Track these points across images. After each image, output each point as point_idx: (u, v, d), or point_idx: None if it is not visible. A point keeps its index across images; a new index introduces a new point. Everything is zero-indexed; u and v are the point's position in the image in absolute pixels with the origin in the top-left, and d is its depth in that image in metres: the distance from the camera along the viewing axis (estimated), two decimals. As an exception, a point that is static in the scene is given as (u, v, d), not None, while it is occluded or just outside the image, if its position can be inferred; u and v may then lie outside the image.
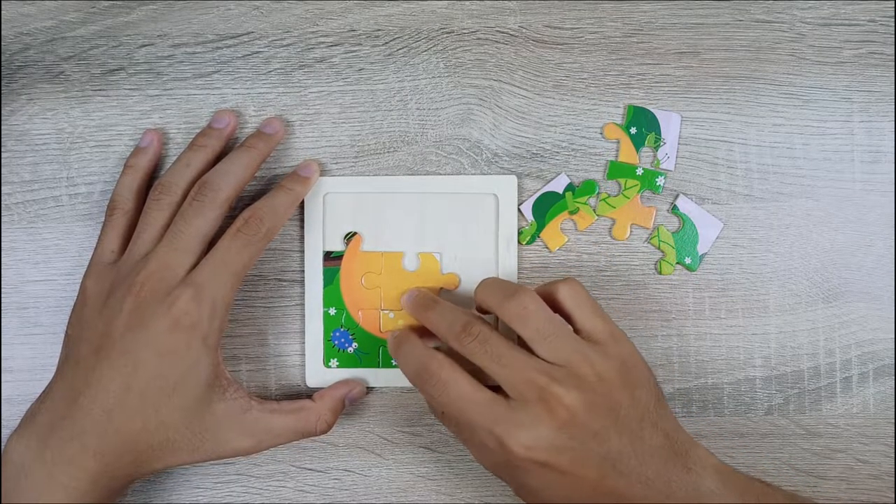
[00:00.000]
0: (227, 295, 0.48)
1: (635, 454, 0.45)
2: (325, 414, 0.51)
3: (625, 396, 0.45)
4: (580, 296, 0.48)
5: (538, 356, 0.46)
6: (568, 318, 0.48)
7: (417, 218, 0.54)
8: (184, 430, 0.47)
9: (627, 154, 0.54)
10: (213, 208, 0.49)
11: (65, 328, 0.50)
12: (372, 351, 0.54)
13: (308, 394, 0.52)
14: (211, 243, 0.49)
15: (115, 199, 0.52)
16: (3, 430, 0.53)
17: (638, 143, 0.54)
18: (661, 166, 0.54)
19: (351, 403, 0.53)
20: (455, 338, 0.47)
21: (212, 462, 0.53)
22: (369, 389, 0.54)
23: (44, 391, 0.48)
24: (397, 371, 0.53)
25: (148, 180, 0.53)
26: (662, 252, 0.54)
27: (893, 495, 0.53)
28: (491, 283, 0.49)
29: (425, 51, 0.54)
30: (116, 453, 0.46)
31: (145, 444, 0.47)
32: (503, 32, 0.54)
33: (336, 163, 0.54)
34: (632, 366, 0.47)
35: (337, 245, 0.54)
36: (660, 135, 0.54)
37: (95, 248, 0.51)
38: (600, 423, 0.45)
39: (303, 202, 0.53)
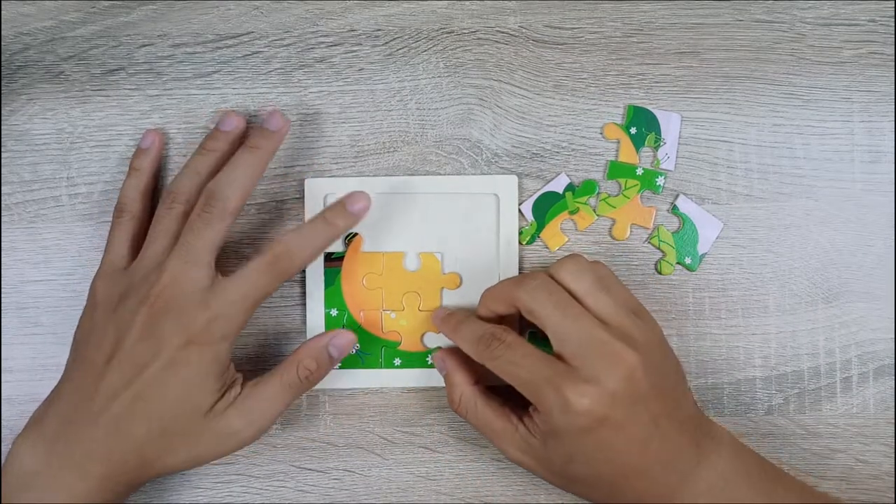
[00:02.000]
0: (242, 322, 0.48)
1: (674, 420, 0.46)
2: (304, 360, 0.49)
3: (665, 364, 0.47)
4: (610, 278, 0.49)
5: (591, 311, 0.47)
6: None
7: (418, 218, 0.54)
8: (189, 437, 0.47)
9: (627, 154, 0.54)
10: (222, 219, 0.48)
11: (65, 328, 0.50)
12: (374, 351, 0.53)
13: (308, 394, 0.52)
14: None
15: (123, 203, 0.52)
16: (3, 431, 0.53)
17: (638, 143, 0.54)
18: (661, 166, 0.54)
19: (339, 353, 0.50)
20: (485, 345, 0.48)
21: (212, 462, 0.53)
22: (370, 389, 0.54)
23: (51, 393, 0.48)
24: (398, 371, 0.53)
25: (153, 181, 0.53)
26: (662, 252, 0.54)
27: (893, 495, 0.53)
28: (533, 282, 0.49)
29: (425, 51, 0.54)
30: (122, 459, 0.47)
31: (150, 451, 0.47)
32: (503, 32, 0.54)
33: (336, 163, 0.54)
34: (663, 340, 0.49)
35: (338, 246, 0.54)
36: (660, 135, 0.54)
37: (105, 252, 0.51)
38: (650, 383, 0.46)
39: (303, 204, 0.53)
